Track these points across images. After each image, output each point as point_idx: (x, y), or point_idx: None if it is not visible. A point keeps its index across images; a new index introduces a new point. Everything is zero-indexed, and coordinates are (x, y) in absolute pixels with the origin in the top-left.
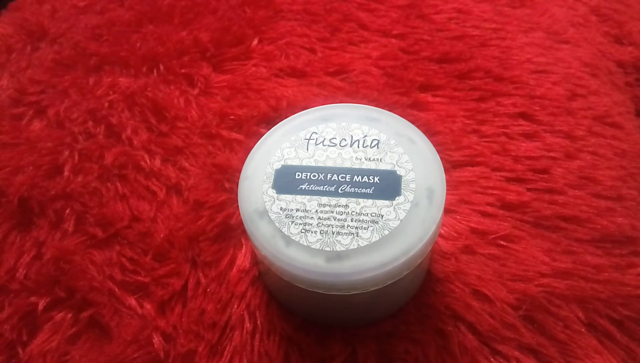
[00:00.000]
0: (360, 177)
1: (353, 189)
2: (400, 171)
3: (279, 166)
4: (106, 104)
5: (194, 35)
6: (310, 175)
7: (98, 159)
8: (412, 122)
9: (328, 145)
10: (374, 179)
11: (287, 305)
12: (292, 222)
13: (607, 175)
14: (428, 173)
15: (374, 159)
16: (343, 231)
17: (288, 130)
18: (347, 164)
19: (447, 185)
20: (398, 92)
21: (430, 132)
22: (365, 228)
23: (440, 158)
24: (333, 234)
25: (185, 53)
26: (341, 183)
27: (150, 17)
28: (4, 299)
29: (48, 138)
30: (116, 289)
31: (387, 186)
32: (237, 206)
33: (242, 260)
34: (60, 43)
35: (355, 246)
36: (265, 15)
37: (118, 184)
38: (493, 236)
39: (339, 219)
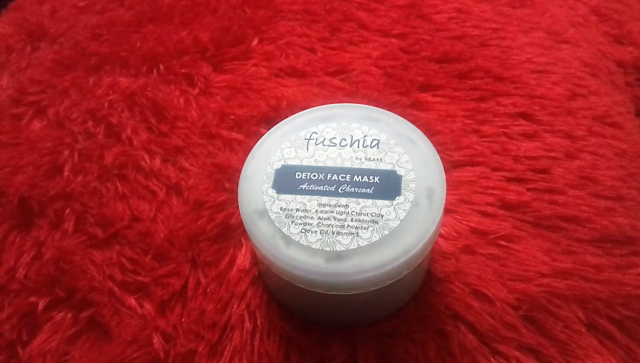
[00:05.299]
0: (360, 177)
1: (353, 189)
2: (400, 171)
3: (279, 166)
4: (106, 104)
5: (194, 35)
6: (310, 175)
7: (98, 159)
8: (412, 122)
9: (328, 145)
10: (374, 179)
11: (287, 305)
12: (292, 222)
13: (607, 175)
14: (428, 173)
15: (374, 159)
16: (343, 231)
17: (288, 130)
18: (347, 164)
19: (447, 185)
20: (398, 92)
21: (430, 132)
22: (365, 228)
23: (440, 158)
24: (333, 234)
25: (185, 53)
26: (341, 183)
27: (150, 17)
28: (4, 299)
29: (48, 138)
30: (116, 289)
31: (387, 186)
32: (237, 206)
33: (242, 260)
34: (60, 43)
35: (355, 246)
36: (265, 15)
37: (118, 184)
38: (493, 236)
39: (339, 219)
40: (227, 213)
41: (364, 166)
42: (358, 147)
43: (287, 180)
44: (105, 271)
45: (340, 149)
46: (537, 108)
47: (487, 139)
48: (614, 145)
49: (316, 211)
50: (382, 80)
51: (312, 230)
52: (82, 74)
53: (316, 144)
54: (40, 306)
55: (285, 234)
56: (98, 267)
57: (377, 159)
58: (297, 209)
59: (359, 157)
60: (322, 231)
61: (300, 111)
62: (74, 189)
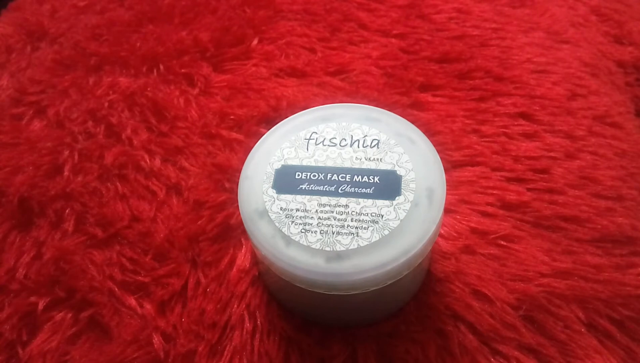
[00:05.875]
0: (360, 177)
1: (353, 189)
2: (400, 171)
3: (279, 166)
4: (106, 104)
5: (194, 35)
6: (310, 175)
7: (98, 159)
8: (412, 122)
9: (328, 145)
10: (374, 179)
11: (287, 305)
12: (292, 222)
13: (607, 175)
14: (428, 173)
15: (374, 159)
16: (343, 231)
17: (288, 130)
18: (347, 164)
19: (447, 185)
20: (398, 92)
21: (430, 132)
22: (365, 228)
23: (440, 158)
24: (333, 234)
25: (185, 53)
26: (341, 183)
27: (150, 17)
28: (4, 299)
29: (48, 138)
30: (116, 289)
31: (387, 186)
32: (237, 206)
33: (242, 260)
34: (60, 43)
35: (355, 246)
36: (265, 15)
37: (118, 184)
38: (493, 236)
39: (339, 219)
40: (227, 213)
41: (364, 166)
42: (358, 147)
43: (287, 180)
44: (105, 271)
45: (340, 149)
46: (537, 108)
47: (487, 139)
48: (614, 145)
49: (316, 211)
50: (382, 80)
51: (312, 230)
52: (82, 74)
53: (316, 144)
54: (40, 306)
55: (285, 234)
56: (98, 267)
57: (377, 159)
58: (297, 209)
59: (359, 157)
60: (322, 231)
61: (300, 111)
62: (74, 189)
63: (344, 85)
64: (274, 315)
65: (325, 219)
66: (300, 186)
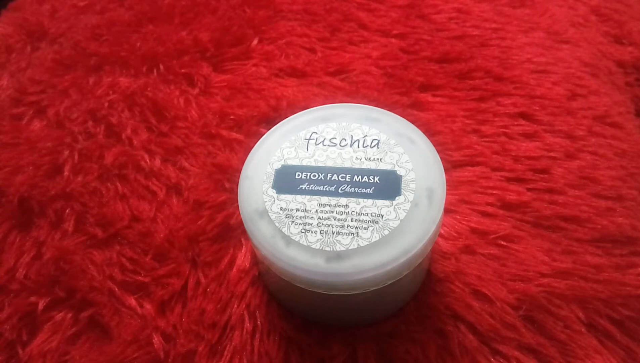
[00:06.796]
0: (360, 177)
1: (353, 189)
2: (400, 171)
3: (279, 166)
4: (106, 104)
5: (194, 35)
6: (310, 175)
7: (98, 159)
8: (412, 122)
9: (328, 145)
10: (374, 179)
11: (287, 305)
12: (292, 222)
13: (607, 175)
14: (428, 173)
15: (374, 159)
16: (343, 231)
17: (288, 130)
18: (347, 164)
19: (447, 185)
20: (398, 92)
21: (430, 132)
22: (365, 228)
23: (440, 158)
24: (333, 234)
25: (185, 53)
26: (341, 183)
27: (150, 17)
28: (4, 299)
29: (48, 138)
30: (116, 289)
31: (387, 186)
32: (237, 206)
33: (242, 260)
34: (60, 43)
35: (355, 246)
36: (265, 15)
37: (118, 184)
38: (493, 236)
39: (339, 219)
40: (227, 213)
41: (364, 166)
42: (358, 147)
43: (287, 180)
44: (105, 271)
45: (340, 149)
46: (537, 108)
47: (487, 139)
48: (614, 145)
49: (316, 211)
50: (382, 80)
51: (312, 230)
52: (82, 74)
53: (316, 144)
54: (40, 306)
55: (285, 234)
56: (98, 267)
57: (377, 159)
58: (297, 209)
59: (359, 157)
60: (322, 231)
61: (300, 111)
62: (74, 189)
63: (344, 85)
64: (274, 315)
65: (325, 219)
66: (300, 186)
